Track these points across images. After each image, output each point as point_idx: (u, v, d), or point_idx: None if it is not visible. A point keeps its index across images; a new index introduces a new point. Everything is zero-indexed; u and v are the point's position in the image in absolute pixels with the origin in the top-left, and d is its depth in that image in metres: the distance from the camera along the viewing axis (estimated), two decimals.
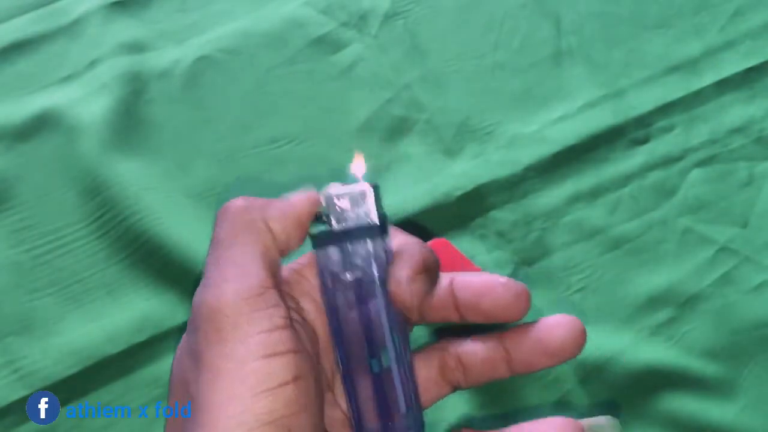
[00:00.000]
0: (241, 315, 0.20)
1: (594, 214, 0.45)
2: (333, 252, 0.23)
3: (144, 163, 0.47)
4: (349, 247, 0.23)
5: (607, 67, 0.50)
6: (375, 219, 0.22)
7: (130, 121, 0.48)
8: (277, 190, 0.48)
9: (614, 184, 0.46)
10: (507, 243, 0.44)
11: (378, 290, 0.22)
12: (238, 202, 0.23)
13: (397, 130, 0.48)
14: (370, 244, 0.22)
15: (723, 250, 0.44)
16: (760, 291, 0.43)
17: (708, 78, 0.49)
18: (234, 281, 0.21)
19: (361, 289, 0.23)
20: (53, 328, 0.43)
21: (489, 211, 0.45)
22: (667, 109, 0.48)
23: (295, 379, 0.20)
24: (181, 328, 0.42)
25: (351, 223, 0.23)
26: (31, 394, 0.41)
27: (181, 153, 0.48)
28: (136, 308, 0.43)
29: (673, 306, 0.42)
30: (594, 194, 0.46)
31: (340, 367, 0.23)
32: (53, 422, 0.40)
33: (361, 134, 0.48)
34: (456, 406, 0.40)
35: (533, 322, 0.22)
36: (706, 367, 0.40)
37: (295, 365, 0.20)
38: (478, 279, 0.23)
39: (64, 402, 0.41)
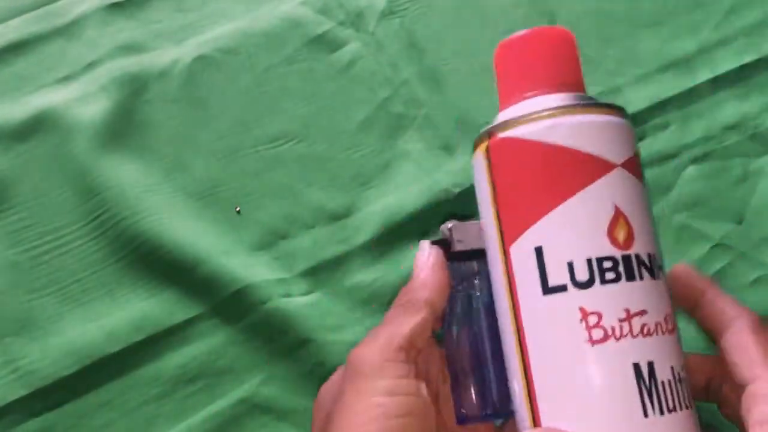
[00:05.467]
0: (375, 363, 0.27)
1: None
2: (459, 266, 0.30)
3: (143, 163, 0.47)
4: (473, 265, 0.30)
5: (601, 65, 0.50)
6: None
7: (129, 121, 0.48)
8: (277, 189, 0.49)
9: None
10: None
11: (481, 302, 0.29)
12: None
13: (395, 127, 0.48)
14: (483, 264, 0.29)
15: (718, 246, 0.44)
16: (755, 287, 0.43)
17: (702, 75, 0.49)
18: (378, 341, 0.28)
19: (471, 298, 0.30)
20: (52, 328, 0.43)
21: None
22: (661, 106, 0.48)
23: (406, 415, 0.26)
24: (181, 327, 0.42)
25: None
26: (30, 393, 0.41)
27: (179, 153, 0.48)
28: (135, 307, 0.43)
29: None
30: None
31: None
32: (53, 421, 0.41)
33: (361, 132, 0.48)
34: None
35: None
36: None
37: (407, 405, 0.26)
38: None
39: (63, 401, 0.41)
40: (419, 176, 0.46)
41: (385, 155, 0.47)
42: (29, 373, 0.41)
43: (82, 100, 0.49)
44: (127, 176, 0.46)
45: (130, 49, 0.51)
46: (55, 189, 0.47)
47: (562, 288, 0.24)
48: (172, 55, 0.51)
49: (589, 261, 0.24)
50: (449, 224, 0.29)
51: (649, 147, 0.47)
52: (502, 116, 0.27)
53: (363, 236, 0.45)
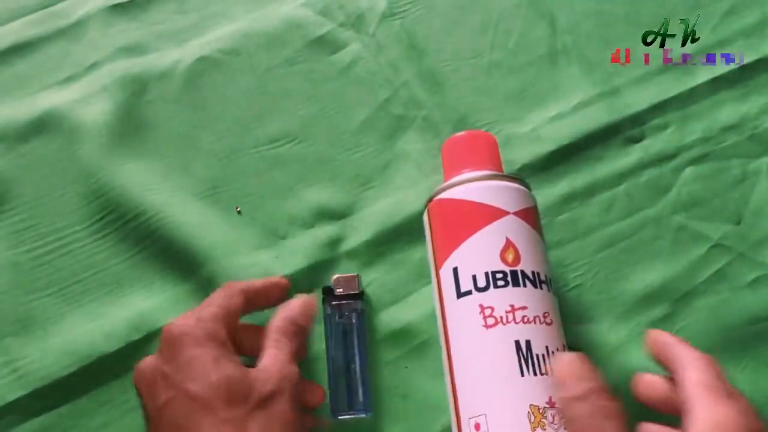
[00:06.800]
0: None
1: (589, 212, 0.45)
2: (333, 305, 0.42)
3: (144, 164, 0.47)
4: (344, 303, 0.41)
5: (601, 66, 0.50)
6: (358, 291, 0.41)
7: (131, 122, 0.48)
8: (277, 189, 0.49)
9: (609, 183, 0.46)
10: None
11: (355, 329, 0.41)
12: None
13: (395, 128, 0.48)
14: (357, 304, 0.41)
15: (717, 246, 0.44)
16: (753, 287, 0.43)
17: (702, 76, 0.49)
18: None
19: (346, 327, 0.41)
20: (52, 329, 0.43)
21: None
22: (661, 107, 0.48)
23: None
24: None
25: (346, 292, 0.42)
26: (30, 393, 0.41)
27: (181, 153, 0.48)
28: (134, 308, 0.43)
29: (668, 302, 0.43)
30: (589, 193, 0.46)
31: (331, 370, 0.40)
32: (52, 422, 0.41)
33: (361, 133, 0.48)
34: None
35: None
36: None
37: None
38: None
39: (63, 401, 0.41)
40: (419, 177, 0.47)
41: (384, 156, 0.48)
42: (28, 373, 0.41)
43: (85, 101, 0.49)
44: (128, 177, 0.46)
45: (132, 50, 0.52)
46: (57, 190, 0.47)
47: (469, 292, 0.35)
48: (173, 56, 0.51)
49: (487, 273, 0.35)
50: (334, 276, 0.41)
51: (648, 148, 0.47)
52: (439, 187, 0.38)
53: (362, 237, 0.45)
